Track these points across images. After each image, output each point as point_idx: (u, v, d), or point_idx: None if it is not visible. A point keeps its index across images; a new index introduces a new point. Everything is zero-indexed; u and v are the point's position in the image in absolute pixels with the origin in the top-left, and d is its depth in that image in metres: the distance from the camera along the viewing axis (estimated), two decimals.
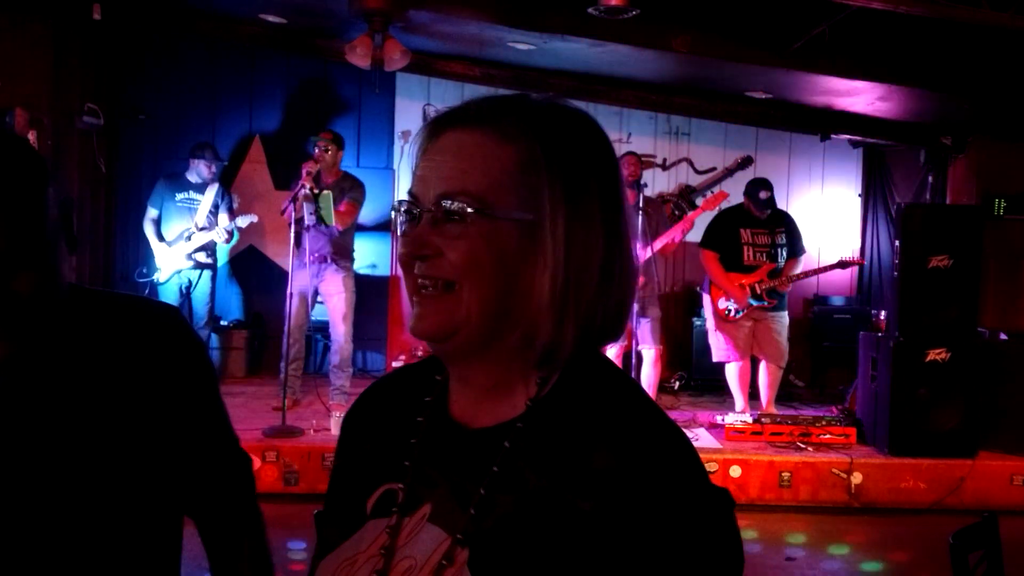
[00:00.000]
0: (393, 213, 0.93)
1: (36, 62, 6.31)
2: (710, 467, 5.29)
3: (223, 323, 7.60)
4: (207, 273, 6.78)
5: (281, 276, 6.59)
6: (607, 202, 0.89)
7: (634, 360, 5.98)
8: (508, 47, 6.52)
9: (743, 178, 7.23)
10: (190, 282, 6.72)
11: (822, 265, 6.66)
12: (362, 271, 7.70)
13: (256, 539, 1.45)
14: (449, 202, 0.85)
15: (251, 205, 7.22)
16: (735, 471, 5.41)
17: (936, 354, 5.52)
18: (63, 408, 1.22)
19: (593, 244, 0.87)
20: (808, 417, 6.03)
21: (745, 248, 6.13)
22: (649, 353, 6.21)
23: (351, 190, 6.05)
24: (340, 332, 6.10)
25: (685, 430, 1.35)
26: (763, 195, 6.10)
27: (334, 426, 5.52)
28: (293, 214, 5.66)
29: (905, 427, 5.50)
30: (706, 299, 6.29)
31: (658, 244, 6.12)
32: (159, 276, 6.70)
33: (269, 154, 7.76)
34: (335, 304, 6.09)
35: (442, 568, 0.84)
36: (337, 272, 6.05)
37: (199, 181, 6.72)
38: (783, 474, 5.42)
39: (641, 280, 5.90)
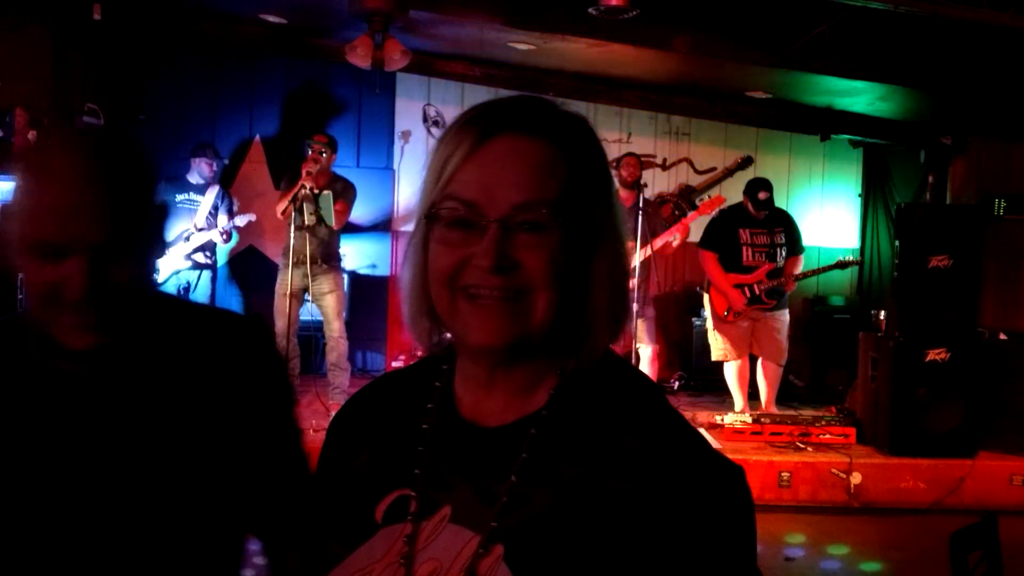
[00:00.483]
0: (426, 219, 0.90)
1: (36, 62, 6.30)
2: None
3: None
4: (206, 274, 6.78)
5: None
6: (620, 207, 0.97)
7: (633, 359, 5.99)
8: (508, 47, 6.52)
9: (743, 178, 7.22)
10: (189, 283, 6.71)
11: (821, 266, 6.67)
12: (362, 271, 7.71)
13: None
14: (529, 212, 0.86)
15: (251, 205, 7.21)
16: None
17: (936, 354, 5.53)
18: (144, 407, 1.22)
19: (622, 249, 0.94)
20: (808, 417, 6.03)
21: (744, 248, 6.13)
22: (646, 351, 6.27)
23: (344, 191, 6.11)
24: (335, 328, 6.14)
25: None
26: (762, 195, 6.10)
27: None
28: (294, 214, 5.67)
29: (905, 427, 5.51)
30: (707, 298, 6.31)
31: (657, 244, 6.14)
32: (157, 277, 6.69)
33: (269, 154, 7.77)
34: (328, 303, 6.11)
35: (475, 566, 0.84)
36: (328, 272, 6.09)
37: (199, 182, 6.73)
38: (783, 474, 5.43)
39: (637, 280, 5.93)
